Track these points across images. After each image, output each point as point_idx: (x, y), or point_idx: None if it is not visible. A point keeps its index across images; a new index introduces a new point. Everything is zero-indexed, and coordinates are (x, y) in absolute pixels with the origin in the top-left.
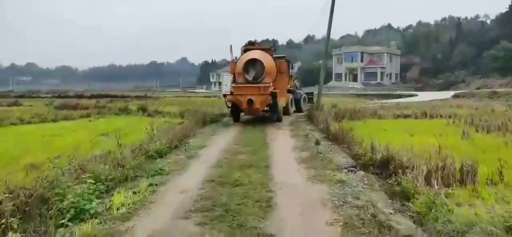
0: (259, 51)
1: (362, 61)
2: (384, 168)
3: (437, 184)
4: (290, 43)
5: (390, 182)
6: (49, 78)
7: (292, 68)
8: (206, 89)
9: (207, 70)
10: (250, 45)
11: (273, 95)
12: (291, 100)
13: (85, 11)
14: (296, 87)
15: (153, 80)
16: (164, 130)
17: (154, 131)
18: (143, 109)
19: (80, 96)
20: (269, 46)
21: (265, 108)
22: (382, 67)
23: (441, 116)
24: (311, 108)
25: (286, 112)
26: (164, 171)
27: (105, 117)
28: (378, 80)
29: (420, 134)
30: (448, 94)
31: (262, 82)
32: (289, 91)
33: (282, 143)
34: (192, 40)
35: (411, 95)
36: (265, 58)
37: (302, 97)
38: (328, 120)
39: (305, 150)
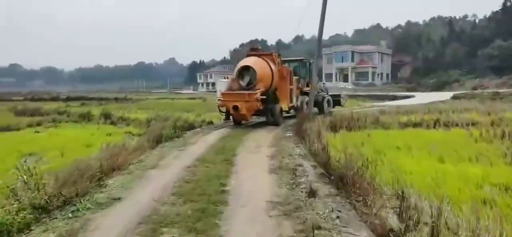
0: (254, 57)
1: (352, 60)
2: None
3: None
4: (279, 43)
5: None
6: (34, 80)
7: (310, 69)
8: (193, 90)
9: (195, 70)
10: (251, 51)
11: (265, 101)
12: (307, 102)
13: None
14: (321, 89)
15: (140, 81)
16: (91, 155)
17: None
18: (106, 116)
19: (54, 99)
20: (271, 52)
21: (256, 113)
22: (373, 67)
23: (457, 125)
24: (301, 117)
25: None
26: None
27: (58, 126)
28: (370, 80)
29: (452, 159)
30: (445, 95)
31: (255, 88)
32: (304, 93)
33: (253, 189)
34: (180, 40)
35: (407, 96)
36: (259, 65)
37: (325, 99)
38: (324, 140)
39: (290, 214)
